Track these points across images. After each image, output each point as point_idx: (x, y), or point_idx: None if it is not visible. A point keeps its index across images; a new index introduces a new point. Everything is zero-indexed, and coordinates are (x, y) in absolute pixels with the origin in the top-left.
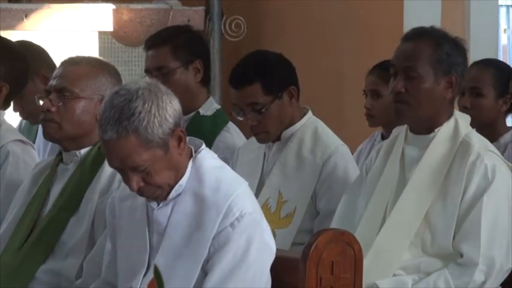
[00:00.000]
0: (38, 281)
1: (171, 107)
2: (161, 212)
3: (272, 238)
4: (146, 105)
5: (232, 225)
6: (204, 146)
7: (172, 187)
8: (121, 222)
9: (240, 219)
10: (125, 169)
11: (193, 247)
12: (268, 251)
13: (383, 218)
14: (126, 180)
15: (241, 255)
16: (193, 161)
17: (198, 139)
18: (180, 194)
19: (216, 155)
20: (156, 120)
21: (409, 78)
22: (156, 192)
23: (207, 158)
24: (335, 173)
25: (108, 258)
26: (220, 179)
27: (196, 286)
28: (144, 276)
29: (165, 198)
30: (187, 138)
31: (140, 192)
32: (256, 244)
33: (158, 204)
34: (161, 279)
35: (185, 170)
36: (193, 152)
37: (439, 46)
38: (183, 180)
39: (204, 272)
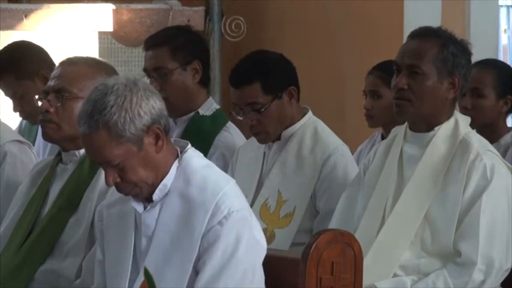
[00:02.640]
0: (37, 281)
1: (147, 103)
2: (149, 215)
3: (262, 235)
4: (119, 100)
5: (220, 223)
6: (189, 145)
7: (153, 186)
8: (109, 229)
9: (228, 217)
10: (102, 163)
11: (183, 248)
12: (258, 247)
13: (382, 216)
14: (105, 174)
15: (231, 252)
16: (179, 161)
17: (183, 140)
18: (166, 195)
19: (202, 154)
20: (127, 115)
21: (412, 76)
22: (134, 189)
23: (194, 157)
24: (335, 172)
25: (98, 269)
26: (207, 178)
27: (189, 287)
28: (134, 281)
29: (151, 199)
30: (172, 140)
31: (118, 188)
32: (246, 241)
33: (145, 208)
34: (152, 282)
35: (167, 170)
36: (179, 152)
37: (445, 46)
38: (168, 180)
39: (197, 272)
